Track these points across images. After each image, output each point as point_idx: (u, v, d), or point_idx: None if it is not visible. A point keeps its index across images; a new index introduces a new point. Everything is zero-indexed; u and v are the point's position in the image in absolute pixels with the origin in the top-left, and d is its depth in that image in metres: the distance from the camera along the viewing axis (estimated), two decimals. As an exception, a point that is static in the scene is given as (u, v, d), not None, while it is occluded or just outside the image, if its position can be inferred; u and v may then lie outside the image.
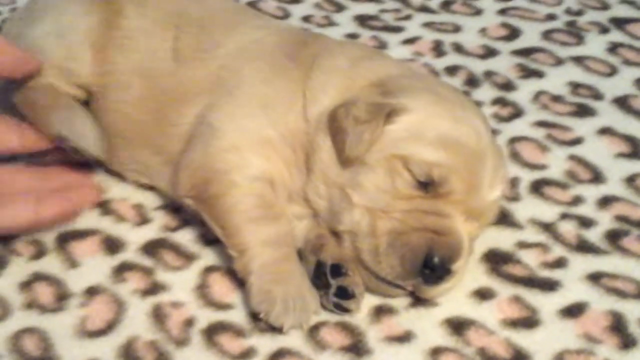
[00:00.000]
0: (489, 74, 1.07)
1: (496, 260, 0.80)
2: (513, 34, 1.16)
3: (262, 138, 0.76)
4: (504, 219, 0.84)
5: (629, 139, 0.96)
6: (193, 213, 0.80)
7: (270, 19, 0.93)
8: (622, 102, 1.02)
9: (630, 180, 0.89)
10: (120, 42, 0.85)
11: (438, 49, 1.13)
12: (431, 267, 0.70)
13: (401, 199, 0.72)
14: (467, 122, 0.74)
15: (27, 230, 0.81)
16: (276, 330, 0.72)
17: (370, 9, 1.23)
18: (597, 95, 1.03)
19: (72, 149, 0.81)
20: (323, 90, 0.78)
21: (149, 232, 0.83)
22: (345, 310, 0.74)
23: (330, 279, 0.73)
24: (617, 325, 0.73)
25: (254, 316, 0.72)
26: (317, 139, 0.76)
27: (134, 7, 0.86)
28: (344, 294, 0.73)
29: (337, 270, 0.73)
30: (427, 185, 0.72)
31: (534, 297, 0.76)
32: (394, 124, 0.73)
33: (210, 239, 0.81)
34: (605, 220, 0.84)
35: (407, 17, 1.20)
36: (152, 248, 0.81)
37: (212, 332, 0.73)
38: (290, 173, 0.77)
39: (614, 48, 1.13)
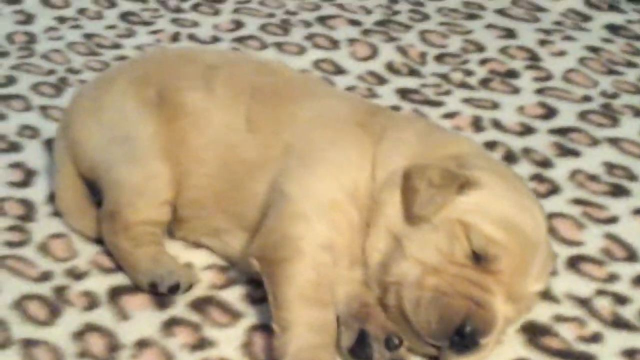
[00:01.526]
0: (526, 151, 1.10)
1: (534, 332, 0.82)
2: (550, 113, 1.20)
3: (330, 201, 0.80)
4: (542, 293, 0.86)
5: (663, 220, 0.98)
6: (245, 273, 0.83)
7: (336, 89, 0.97)
8: (656, 184, 1.05)
9: (664, 260, 0.92)
10: (189, 127, 0.89)
11: (477, 124, 1.16)
12: (461, 335, 0.73)
13: (453, 264, 0.75)
14: (530, 211, 0.78)
15: None
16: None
17: (411, 83, 1.27)
18: (632, 176, 1.06)
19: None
20: (391, 158, 0.82)
21: (197, 289, 0.86)
22: None
23: (385, 353, 0.76)
24: (652, 402, 0.75)
25: None
26: (383, 195, 0.79)
27: (196, 92, 0.90)
28: None
29: (391, 343, 0.76)
30: (480, 259, 0.75)
31: (571, 371, 0.78)
32: (465, 195, 0.77)
33: (256, 298, 0.84)
34: (640, 298, 0.87)
35: (447, 92, 1.24)
36: (199, 304, 0.84)
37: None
38: (354, 235, 0.80)
39: (648, 132, 1.16)
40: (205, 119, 0.88)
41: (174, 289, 0.84)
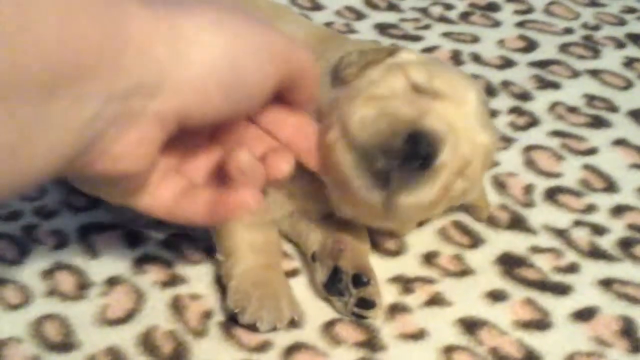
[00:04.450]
0: (506, 84, 1.09)
1: (510, 263, 0.81)
2: (530, 46, 1.18)
3: None
4: (519, 224, 0.86)
5: (643, 150, 0.97)
6: None
7: (302, 18, 0.94)
8: (636, 115, 1.03)
9: (643, 190, 0.91)
10: None
11: (456, 58, 1.14)
12: (414, 141, 0.67)
13: (395, 95, 0.71)
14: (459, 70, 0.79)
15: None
16: (253, 328, 0.73)
17: (390, 17, 1.25)
18: (612, 108, 1.04)
19: None
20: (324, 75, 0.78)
21: (169, 227, 0.85)
22: (364, 318, 0.75)
23: (352, 290, 0.74)
24: (628, 330, 0.74)
25: (232, 318, 0.74)
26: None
27: None
28: (365, 304, 0.74)
29: (359, 280, 0.75)
30: (420, 93, 0.71)
31: (547, 300, 0.77)
32: (394, 57, 0.75)
33: (228, 235, 0.83)
34: (617, 228, 0.86)
35: (427, 27, 1.22)
36: (171, 242, 0.83)
37: (229, 324, 0.74)
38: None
39: (629, 62, 1.14)
40: None
41: None
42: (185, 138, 0.63)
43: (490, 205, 0.85)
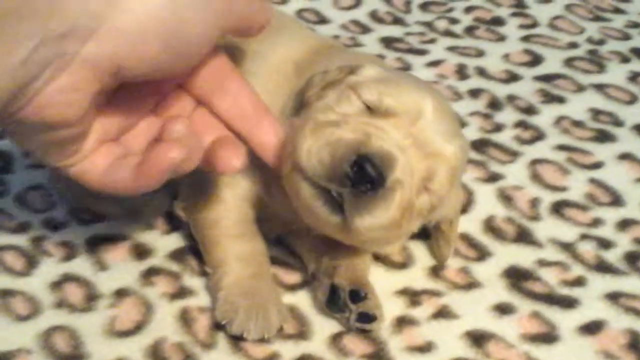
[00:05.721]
0: (511, 98, 1.09)
1: (517, 276, 0.81)
2: (535, 60, 1.18)
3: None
4: (525, 238, 0.86)
5: (648, 164, 0.98)
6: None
7: (302, 28, 0.93)
8: (642, 130, 1.04)
9: (649, 204, 0.91)
10: None
11: (461, 72, 1.15)
12: (360, 166, 0.66)
13: (347, 118, 0.70)
14: (419, 79, 0.78)
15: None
16: (264, 340, 0.73)
17: (395, 31, 1.25)
18: (617, 122, 1.05)
19: None
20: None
21: (177, 240, 0.85)
22: (367, 332, 0.75)
23: (351, 305, 0.74)
24: (635, 344, 0.75)
25: (218, 327, 0.74)
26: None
27: None
28: (366, 318, 0.74)
29: (356, 295, 0.75)
30: (374, 112, 0.70)
31: (553, 314, 0.77)
32: (355, 75, 0.74)
33: (236, 247, 0.83)
34: (624, 242, 0.86)
35: (432, 41, 1.23)
36: (179, 254, 0.83)
37: (238, 337, 0.74)
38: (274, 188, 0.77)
39: (634, 77, 1.15)
40: None
41: None
42: (127, 108, 0.63)
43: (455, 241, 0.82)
